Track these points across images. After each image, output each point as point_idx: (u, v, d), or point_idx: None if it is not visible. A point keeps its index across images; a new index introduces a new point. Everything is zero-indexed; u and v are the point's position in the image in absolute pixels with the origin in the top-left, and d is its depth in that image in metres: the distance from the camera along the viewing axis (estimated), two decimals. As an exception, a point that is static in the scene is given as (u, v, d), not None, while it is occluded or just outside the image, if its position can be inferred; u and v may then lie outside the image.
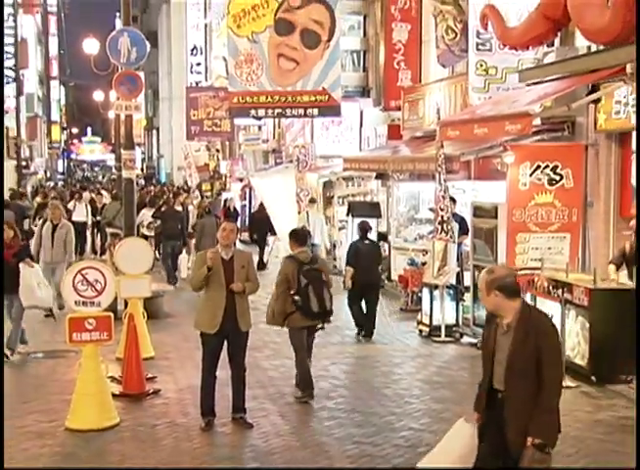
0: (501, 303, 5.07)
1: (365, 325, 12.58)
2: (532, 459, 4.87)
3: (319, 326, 9.40)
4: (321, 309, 8.98)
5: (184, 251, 18.13)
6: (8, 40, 34.75)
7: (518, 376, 4.95)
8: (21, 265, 10.58)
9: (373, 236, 15.85)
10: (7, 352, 10.57)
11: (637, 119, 9.31)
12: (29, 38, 46.22)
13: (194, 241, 17.64)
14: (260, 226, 21.35)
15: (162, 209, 19.49)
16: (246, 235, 23.34)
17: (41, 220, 14.43)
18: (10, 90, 34.97)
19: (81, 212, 22.18)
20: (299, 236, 9.47)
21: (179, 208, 19.74)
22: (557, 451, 6.85)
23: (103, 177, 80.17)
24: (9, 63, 34.73)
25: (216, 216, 18.82)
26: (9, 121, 35.54)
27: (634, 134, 10.75)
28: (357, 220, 16.91)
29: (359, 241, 13.18)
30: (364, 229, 13.26)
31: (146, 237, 17.81)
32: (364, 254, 12.76)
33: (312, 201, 19.63)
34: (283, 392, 9.39)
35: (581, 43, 10.69)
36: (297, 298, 8.87)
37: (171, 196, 23.76)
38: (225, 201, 26.18)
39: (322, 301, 8.96)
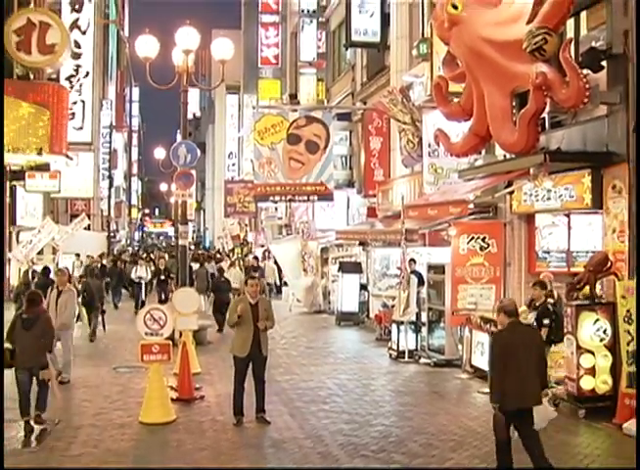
0: (503, 320, 6.08)
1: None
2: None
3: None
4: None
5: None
6: (104, 150, 35.50)
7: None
8: None
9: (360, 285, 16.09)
10: None
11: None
12: (119, 148, 46.73)
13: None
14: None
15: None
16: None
17: (51, 287, 10.54)
18: (104, 184, 35.62)
19: (142, 272, 21.05)
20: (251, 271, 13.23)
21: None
22: (479, 442, 6.82)
23: (164, 244, 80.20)
24: (105, 165, 35.48)
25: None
26: (103, 205, 36.24)
27: (537, 215, 10.87)
28: (347, 274, 17.25)
29: (219, 278, 16.64)
30: (220, 270, 16.83)
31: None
32: (221, 286, 16.08)
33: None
34: (292, 398, 9.31)
35: (499, 152, 10.78)
36: None
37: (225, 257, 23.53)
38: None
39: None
